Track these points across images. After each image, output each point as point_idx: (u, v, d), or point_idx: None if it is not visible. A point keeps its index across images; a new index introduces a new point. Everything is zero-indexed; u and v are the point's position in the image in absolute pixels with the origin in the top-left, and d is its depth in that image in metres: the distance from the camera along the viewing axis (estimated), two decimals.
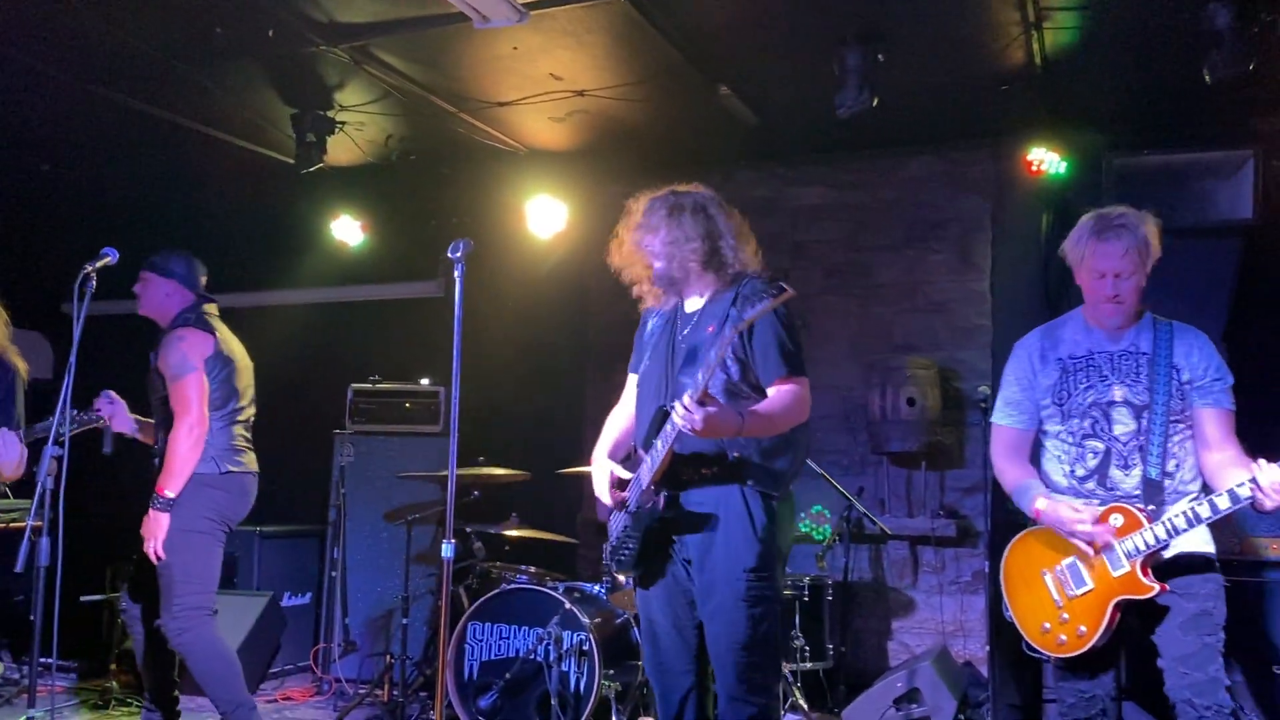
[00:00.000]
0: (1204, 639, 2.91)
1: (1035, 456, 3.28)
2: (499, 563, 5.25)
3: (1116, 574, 2.96)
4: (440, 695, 3.24)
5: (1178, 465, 3.05)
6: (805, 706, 4.81)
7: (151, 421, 4.26)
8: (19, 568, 3.42)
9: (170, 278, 4.26)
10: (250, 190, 6.71)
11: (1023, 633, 3.18)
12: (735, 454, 2.97)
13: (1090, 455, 3.11)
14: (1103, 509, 3.03)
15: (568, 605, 4.51)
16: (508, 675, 4.57)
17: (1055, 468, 3.20)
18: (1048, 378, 3.20)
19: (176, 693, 4.25)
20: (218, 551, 4.14)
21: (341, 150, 5.81)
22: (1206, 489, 3.02)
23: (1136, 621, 3.03)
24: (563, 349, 6.53)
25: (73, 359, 3.57)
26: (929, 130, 5.77)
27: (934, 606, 5.74)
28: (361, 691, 5.47)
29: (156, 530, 3.95)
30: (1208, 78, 4.20)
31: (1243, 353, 5.03)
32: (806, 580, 5.11)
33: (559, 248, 6.25)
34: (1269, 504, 2.77)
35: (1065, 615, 3.07)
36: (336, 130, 5.57)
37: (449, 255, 3.18)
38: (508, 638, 4.69)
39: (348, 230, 6.67)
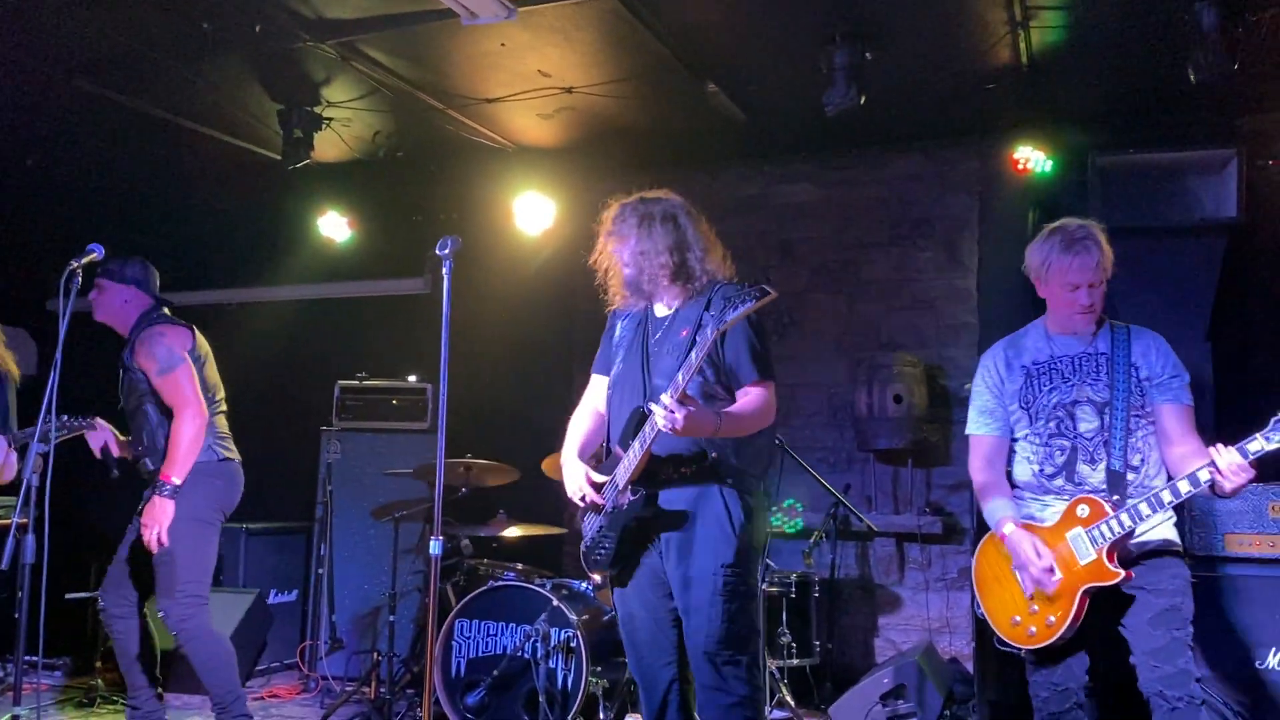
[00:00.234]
0: (1172, 633, 3.00)
1: (1007, 460, 3.39)
2: (486, 560, 5.25)
3: (1084, 562, 3.05)
4: (428, 692, 3.25)
5: (1142, 460, 3.16)
6: (792, 703, 4.83)
7: (128, 439, 4.27)
8: (3, 565, 3.42)
9: (127, 284, 4.27)
10: (237, 186, 6.68)
11: (993, 628, 3.27)
12: (713, 454, 3.04)
13: (1058, 453, 3.22)
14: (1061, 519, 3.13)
15: (555, 602, 4.52)
16: (495, 672, 4.58)
17: (1025, 469, 3.30)
18: (1014, 383, 3.33)
19: (159, 689, 4.24)
20: (216, 541, 4.21)
21: (329, 146, 5.79)
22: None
23: (1107, 612, 3.10)
24: (551, 346, 6.53)
25: (58, 356, 3.56)
26: (916, 128, 5.80)
27: (920, 603, 5.76)
28: (348, 689, 5.45)
29: (162, 517, 3.96)
30: (1192, 77, 4.23)
31: (1226, 350, 5.09)
32: (793, 577, 5.13)
33: (547, 245, 6.25)
34: (1228, 485, 2.89)
35: (1035, 607, 3.15)
36: (324, 126, 5.55)
37: (437, 252, 3.19)
38: (495, 635, 4.70)
39: (335, 227, 6.65)
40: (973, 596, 3.35)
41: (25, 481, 3.53)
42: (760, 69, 5.05)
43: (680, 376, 2.79)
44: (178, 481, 3.99)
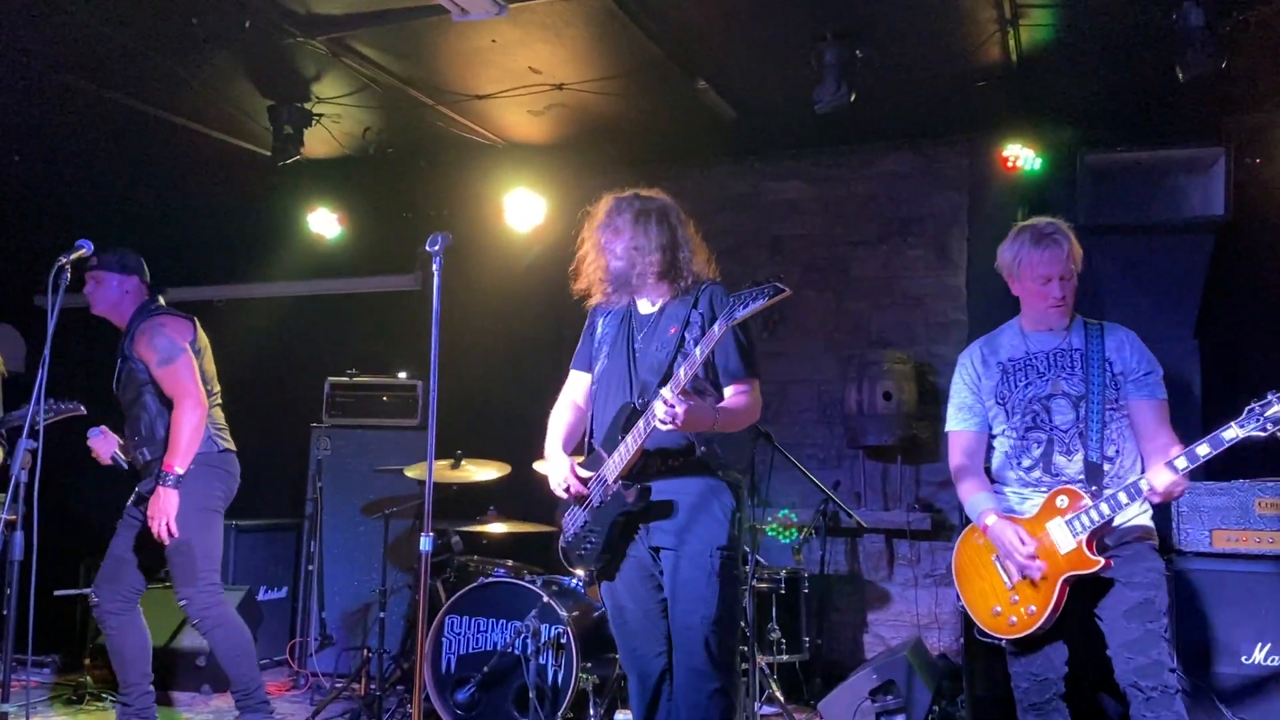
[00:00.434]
0: (1146, 625, 3.05)
1: (986, 456, 3.44)
2: (477, 556, 5.25)
3: (1064, 551, 3.10)
4: (418, 689, 3.24)
5: (1118, 451, 3.22)
6: (781, 699, 4.84)
7: (124, 435, 4.27)
8: None
9: (128, 274, 4.28)
10: (226, 182, 6.66)
11: (974, 618, 3.31)
12: (701, 448, 3.09)
13: (1035, 445, 3.28)
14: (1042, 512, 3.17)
15: (545, 598, 4.52)
16: (485, 669, 4.58)
17: (1003, 462, 3.36)
18: (990, 380, 3.38)
19: (150, 685, 4.23)
20: (221, 530, 4.26)
21: (319, 143, 5.78)
22: None
23: (1085, 600, 3.15)
24: (541, 342, 6.52)
25: (46, 352, 3.54)
26: (906, 126, 5.81)
27: (909, 599, 5.79)
28: (338, 685, 5.45)
29: (168, 507, 3.97)
30: (1181, 76, 4.25)
31: (1214, 347, 5.12)
32: (783, 573, 5.14)
33: (537, 241, 6.23)
34: (1154, 499, 3.00)
35: (1015, 597, 3.19)
36: (314, 122, 5.53)
37: (427, 248, 3.18)
38: (485, 631, 4.70)
39: (325, 223, 6.63)
40: (953, 588, 3.40)
41: (14, 478, 3.52)
42: (751, 66, 5.06)
43: (682, 372, 2.84)
44: (180, 471, 4.01)
